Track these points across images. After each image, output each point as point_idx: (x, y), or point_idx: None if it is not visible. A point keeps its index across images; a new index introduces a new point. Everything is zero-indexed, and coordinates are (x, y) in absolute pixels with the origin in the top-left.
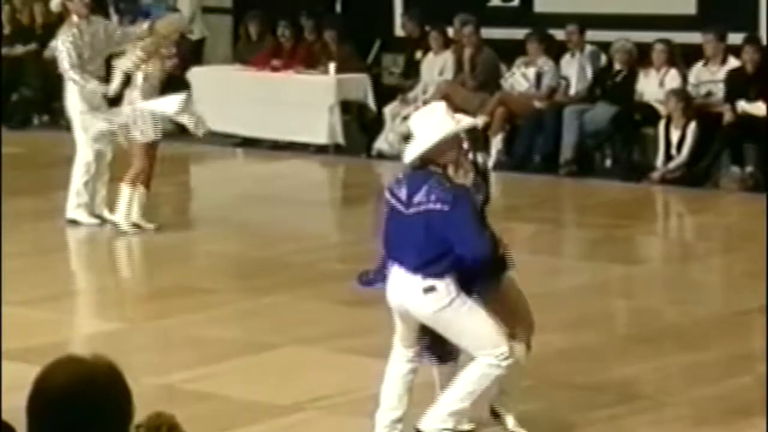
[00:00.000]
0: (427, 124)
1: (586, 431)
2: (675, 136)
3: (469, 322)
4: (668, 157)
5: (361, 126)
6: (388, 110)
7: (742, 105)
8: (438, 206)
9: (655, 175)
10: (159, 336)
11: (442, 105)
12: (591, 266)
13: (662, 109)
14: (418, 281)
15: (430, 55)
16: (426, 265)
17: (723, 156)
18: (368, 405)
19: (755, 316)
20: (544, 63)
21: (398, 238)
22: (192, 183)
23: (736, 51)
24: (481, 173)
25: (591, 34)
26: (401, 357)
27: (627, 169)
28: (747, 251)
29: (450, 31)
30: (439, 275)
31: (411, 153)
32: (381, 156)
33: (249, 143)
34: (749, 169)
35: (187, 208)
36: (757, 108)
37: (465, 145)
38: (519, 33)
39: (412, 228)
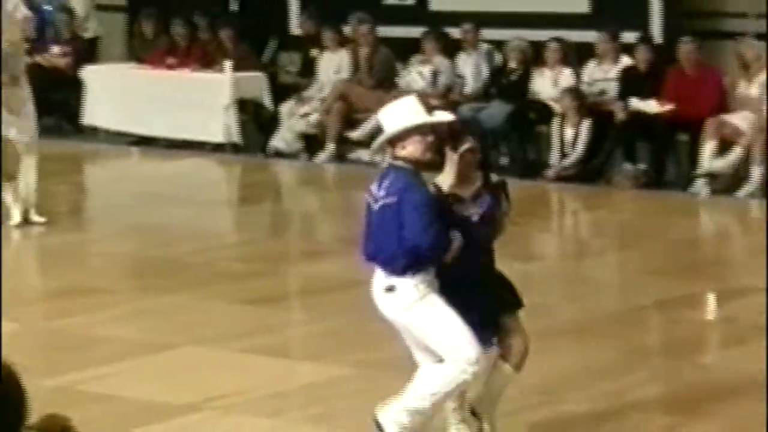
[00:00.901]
0: (392, 114)
1: None
2: (569, 134)
3: (435, 326)
4: (563, 155)
5: (257, 125)
6: (284, 109)
7: (635, 103)
8: (389, 200)
9: (550, 172)
10: (55, 336)
11: (412, 98)
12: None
13: (556, 108)
14: (382, 279)
15: (327, 53)
16: (386, 262)
17: (616, 153)
18: (265, 405)
19: (650, 312)
20: (440, 61)
21: (369, 234)
22: (87, 182)
23: (629, 50)
24: (492, 186)
25: (486, 33)
26: (423, 365)
27: (522, 167)
28: (641, 248)
29: (346, 30)
30: (399, 273)
31: (374, 144)
32: (278, 154)
33: (145, 142)
34: (642, 166)
35: (83, 207)
36: (650, 106)
37: (472, 154)
38: (415, 31)
39: (376, 224)
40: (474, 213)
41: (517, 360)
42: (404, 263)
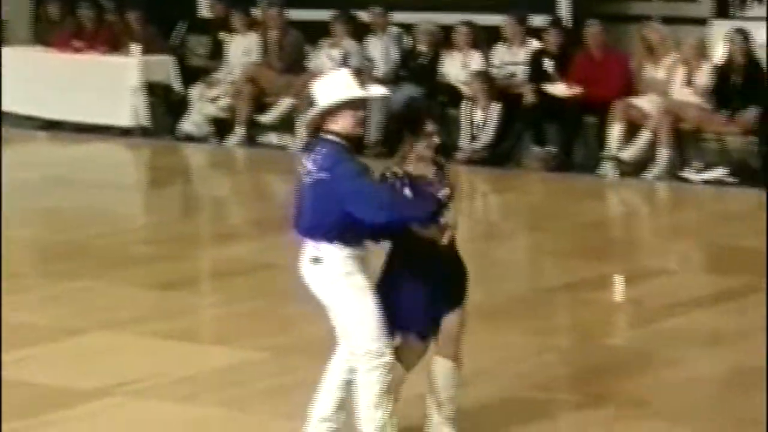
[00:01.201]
0: (325, 88)
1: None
2: (478, 117)
3: (349, 309)
4: (472, 138)
5: (166, 108)
6: (194, 92)
7: (545, 86)
8: (321, 175)
9: (460, 155)
10: None
11: (344, 72)
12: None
13: (466, 91)
14: (309, 250)
15: (236, 36)
16: (313, 232)
17: (525, 136)
18: (176, 389)
19: (559, 294)
20: (350, 44)
21: (300, 208)
22: None
23: (538, 33)
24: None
25: (395, 16)
26: (338, 353)
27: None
28: (550, 230)
29: (255, 13)
30: (327, 243)
31: (306, 117)
32: (187, 138)
33: (52, 126)
34: (551, 149)
35: None
36: (558, 89)
37: (433, 137)
38: (324, 15)
39: (308, 198)
40: (442, 194)
41: (452, 350)
42: (334, 236)
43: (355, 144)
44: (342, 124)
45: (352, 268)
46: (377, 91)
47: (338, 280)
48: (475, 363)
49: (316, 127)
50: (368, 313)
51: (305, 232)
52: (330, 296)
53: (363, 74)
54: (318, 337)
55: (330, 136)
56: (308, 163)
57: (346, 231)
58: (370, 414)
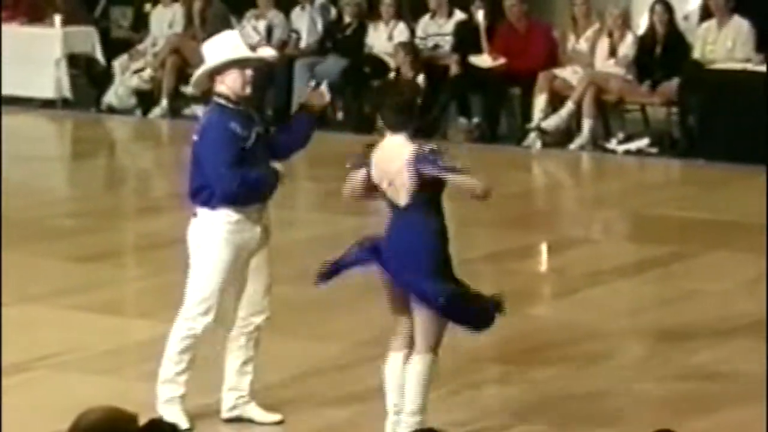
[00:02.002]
0: (213, 48)
1: (316, 379)
2: None
3: (200, 269)
4: None
5: (89, 80)
6: (117, 64)
7: (470, 58)
8: (195, 138)
9: None
10: None
11: (234, 32)
12: (323, 218)
13: (391, 62)
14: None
15: (159, 7)
16: (194, 195)
17: (450, 108)
18: (100, 362)
19: (483, 264)
20: (275, 16)
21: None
22: None
23: (463, 4)
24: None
25: None
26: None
27: (357, 122)
28: (473, 201)
29: None
30: (200, 205)
31: (193, 78)
32: (111, 110)
33: None
34: (476, 120)
35: None
36: (483, 60)
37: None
38: None
39: (191, 159)
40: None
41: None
42: (204, 197)
43: (245, 105)
44: (229, 84)
45: (223, 232)
46: (265, 52)
47: (205, 240)
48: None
49: (208, 89)
50: (210, 282)
51: (189, 197)
52: (197, 256)
53: (287, 46)
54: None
55: (216, 98)
56: (197, 125)
57: (213, 195)
58: (168, 367)
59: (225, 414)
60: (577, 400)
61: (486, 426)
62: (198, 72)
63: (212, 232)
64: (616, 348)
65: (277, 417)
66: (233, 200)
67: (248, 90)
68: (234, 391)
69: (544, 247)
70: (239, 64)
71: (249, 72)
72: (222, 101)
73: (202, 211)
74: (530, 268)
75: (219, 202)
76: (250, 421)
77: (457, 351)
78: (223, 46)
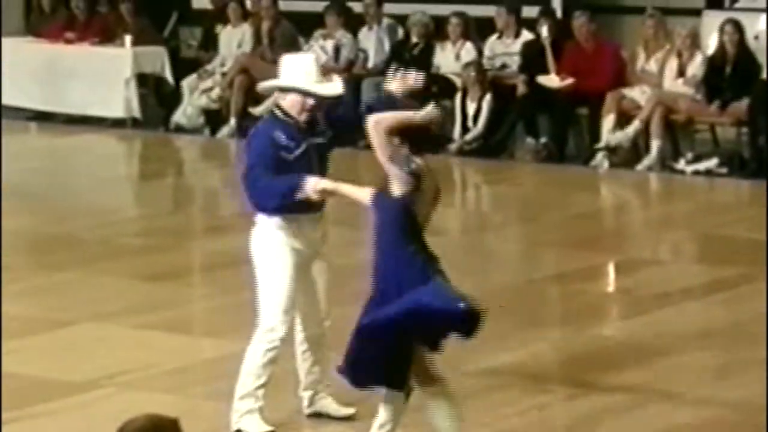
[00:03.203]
0: (288, 66)
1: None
2: (471, 108)
3: (266, 279)
4: (465, 129)
5: (158, 99)
6: (186, 83)
7: (538, 78)
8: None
9: (453, 146)
10: None
11: (310, 58)
12: None
13: (458, 82)
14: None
15: (228, 27)
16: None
17: (518, 128)
18: (166, 381)
19: (550, 284)
20: (342, 36)
21: None
22: None
23: (530, 24)
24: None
25: (388, 7)
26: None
27: None
28: (541, 221)
29: (248, 4)
30: (256, 210)
31: (263, 85)
32: (179, 129)
33: (43, 117)
34: (543, 140)
35: None
36: (551, 80)
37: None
38: (317, 5)
39: None
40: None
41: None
42: (254, 203)
43: (305, 124)
44: (287, 105)
45: (279, 237)
46: (328, 89)
47: (261, 245)
48: (467, 352)
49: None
50: (279, 288)
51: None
52: (256, 264)
53: (354, 66)
54: None
55: (275, 108)
56: None
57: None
58: (241, 388)
59: (306, 411)
60: (645, 420)
61: None
62: (267, 83)
63: (268, 239)
64: (685, 369)
65: (350, 411)
66: (260, 207)
67: (304, 117)
68: (308, 390)
69: (611, 268)
70: (301, 92)
71: (310, 102)
72: (278, 112)
73: (260, 218)
74: (598, 288)
75: (271, 210)
76: (327, 416)
77: (522, 369)
78: (296, 70)
